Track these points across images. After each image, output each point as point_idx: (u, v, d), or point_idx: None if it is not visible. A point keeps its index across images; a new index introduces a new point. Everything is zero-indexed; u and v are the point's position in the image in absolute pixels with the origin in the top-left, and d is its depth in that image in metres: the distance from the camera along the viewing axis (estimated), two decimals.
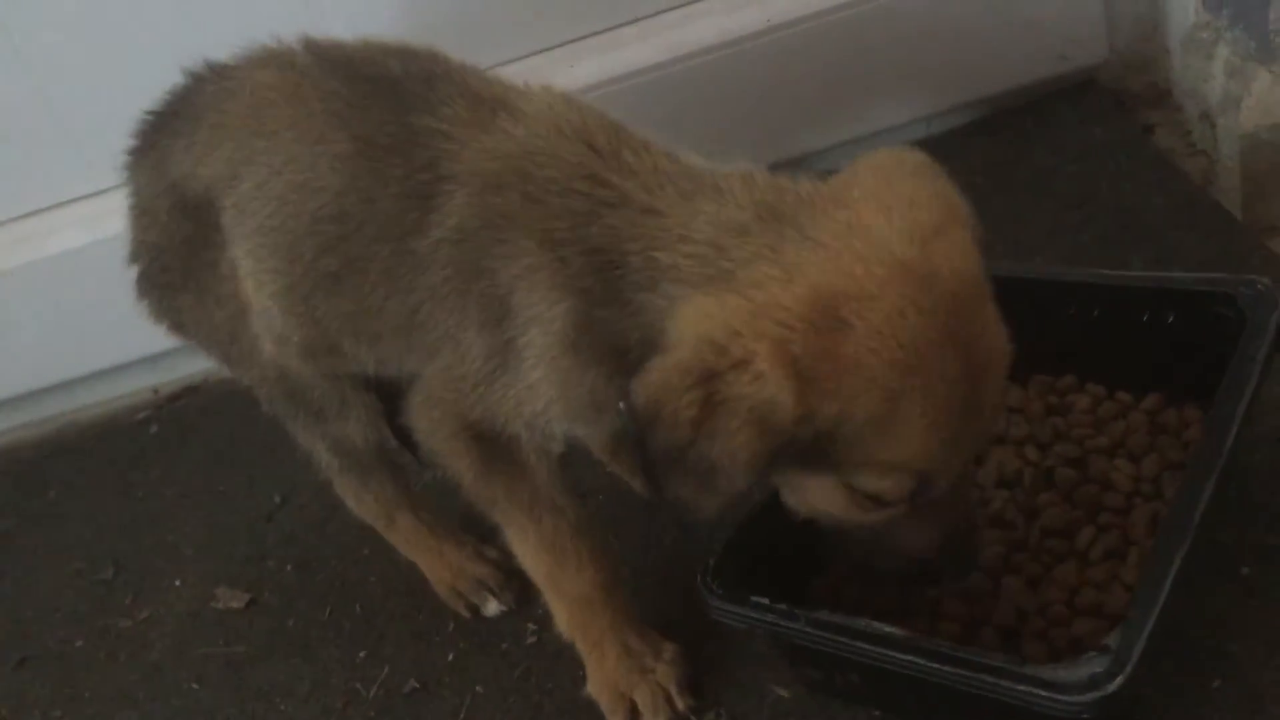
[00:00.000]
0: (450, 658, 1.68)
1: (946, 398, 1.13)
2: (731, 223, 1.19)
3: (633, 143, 1.30)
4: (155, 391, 2.43)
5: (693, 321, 1.15)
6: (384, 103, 1.38)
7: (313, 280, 1.43)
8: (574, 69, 2.15)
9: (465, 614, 1.71)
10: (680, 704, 1.48)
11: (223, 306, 1.54)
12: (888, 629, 1.26)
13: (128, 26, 2.11)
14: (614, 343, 1.28)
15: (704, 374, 1.12)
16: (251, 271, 1.47)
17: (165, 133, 1.56)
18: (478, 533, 1.70)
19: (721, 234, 1.19)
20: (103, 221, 2.23)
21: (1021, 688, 1.17)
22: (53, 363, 2.38)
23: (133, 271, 1.63)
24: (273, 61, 1.50)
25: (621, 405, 1.20)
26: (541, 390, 1.32)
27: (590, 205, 1.26)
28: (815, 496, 1.26)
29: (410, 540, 1.74)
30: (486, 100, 1.36)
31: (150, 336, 2.29)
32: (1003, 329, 1.19)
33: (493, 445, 1.41)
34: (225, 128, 1.49)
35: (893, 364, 1.11)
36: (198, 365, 2.41)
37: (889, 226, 1.14)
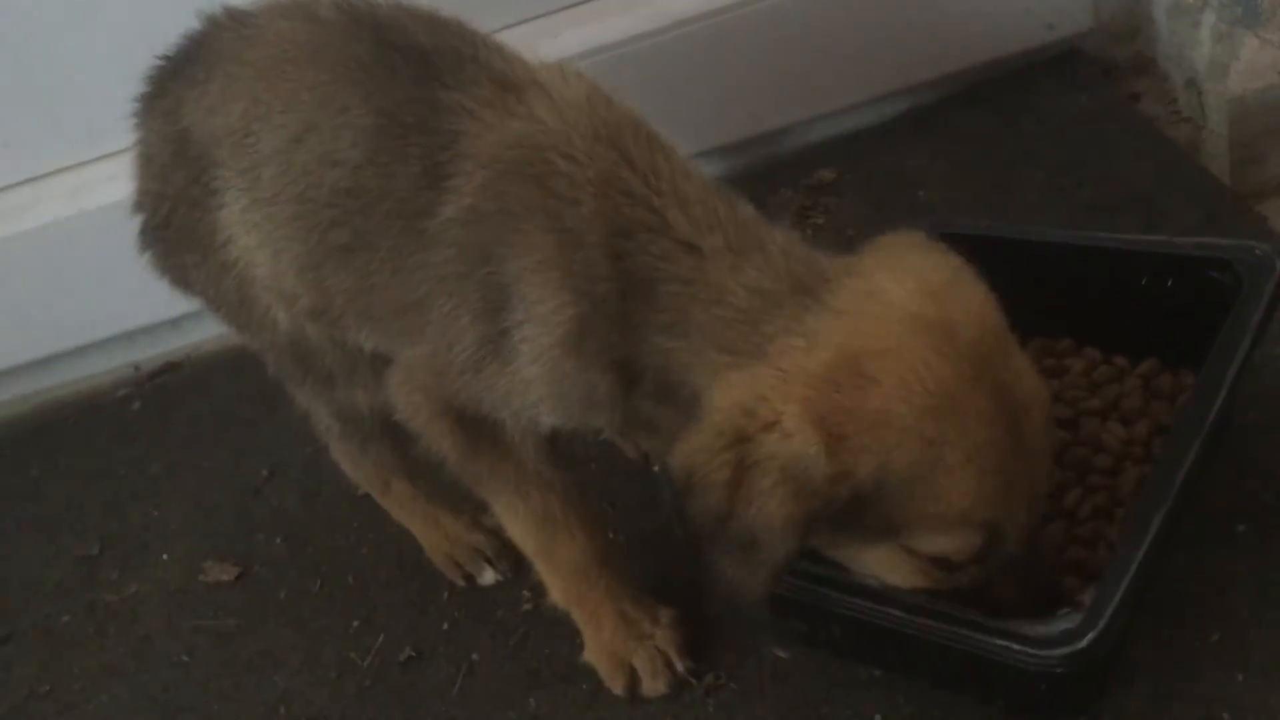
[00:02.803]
0: (445, 626, 1.67)
1: (988, 440, 1.14)
2: (768, 294, 1.21)
3: (673, 159, 1.29)
4: (136, 368, 2.40)
5: (724, 393, 1.18)
6: (411, 77, 1.35)
7: (325, 250, 1.40)
8: (558, 39, 2.13)
9: (461, 582, 1.71)
10: (680, 667, 1.48)
11: (228, 271, 1.50)
12: (867, 581, 1.27)
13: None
14: (617, 355, 1.28)
15: (735, 437, 1.15)
16: (270, 237, 1.44)
17: (178, 79, 1.51)
18: (473, 501, 1.68)
19: (756, 303, 1.21)
20: (83, 194, 2.22)
21: (997, 641, 1.19)
22: (31, 339, 2.34)
23: (136, 221, 1.58)
24: (296, 12, 1.46)
25: (657, 469, 1.22)
26: (535, 386, 1.32)
27: (626, 221, 1.25)
28: (881, 568, 1.25)
29: (406, 507, 1.73)
30: (514, 83, 1.33)
31: (130, 312, 2.30)
32: (1035, 372, 1.22)
33: (476, 425, 1.40)
34: (241, 79, 1.45)
35: (924, 411, 1.12)
36: (179, 341, 2.40)
37: (901, 288, 1.18)
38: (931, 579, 1.23)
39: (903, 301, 1.17)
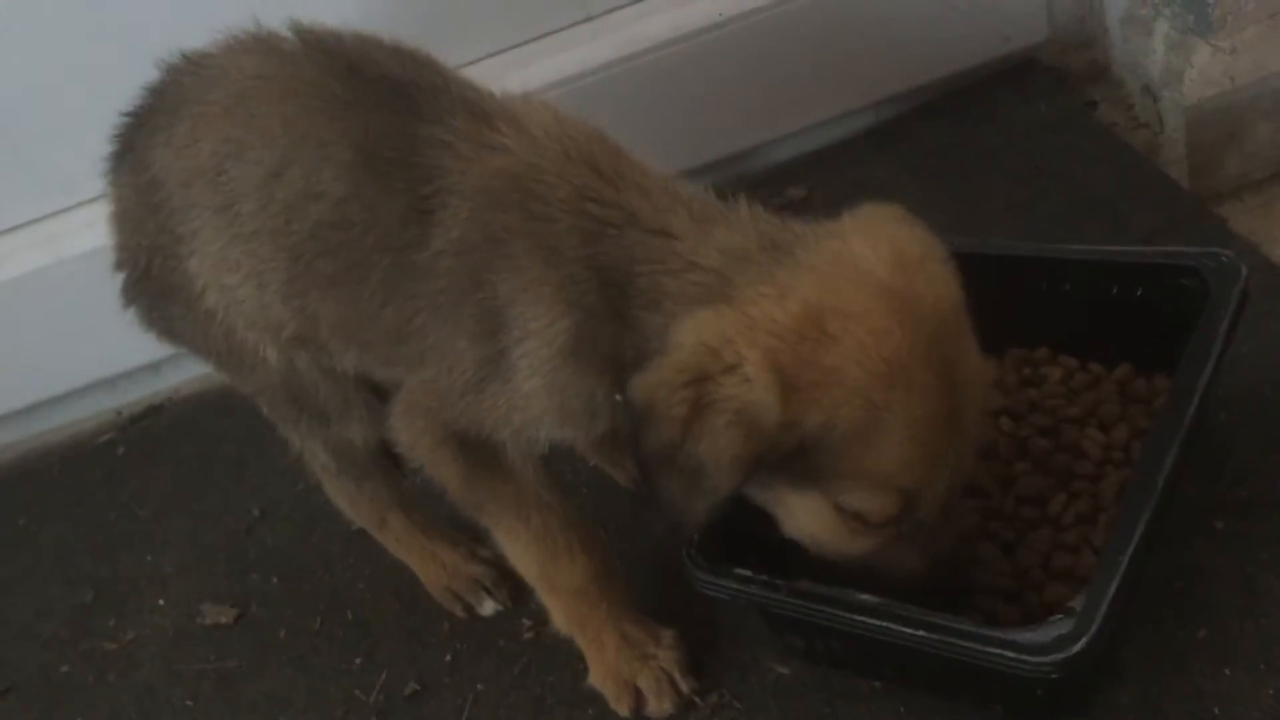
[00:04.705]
0: (448, 658, 1.69)
1: (928, 413, 1.20)
2: (738, 251, 1.26)
3: (634, 164, 1.35)
4: (118, 413, 2.40)
5: (691, 329, 1.22)
6: (388, 110, 1.38)
7: (310, 279, 1.43)
8: (529, 70, 2.16)
9: (461, 614, 1.73)
10: (684, 687, 1.51)
11: (213, 318, 1.52)
12: (864, 597, 1.31)
13: (78, 48, 2.09)
14: (612, 356, 1.32)
15: (697, 375, 1.19)
16: (253, 271, 1.45)
17: (144, 131, 1.52)
18: (470, 532, 1.70)
19: (728, 263, 1.25)
20: (58, 243, 2.22)
21: (992, 650, 1.23)
22: (11, 388, 2.34)
23: (118, 279, 1.59)
24: (257, 47, 1.47)
25: (618, 398, 1.27)
26: (537, 400, 1.35)
27: (598, 226, 1.30)
28: (805, 519, 1.30)
29: (403, 542, 1.75)
30: (485, 114, 1.37)
31: (110, 358, 2.30)
32: (981, 355, 1.27)
33: (477, 451, 1.43)
34: (207, 119, 1.45)
35: (875, 376, 1.17)
36: (159, 385, 2.40)
37: (875, 256, 1.22)
38: (848, 534, 1.28)
39: (873, 268, 1.21)
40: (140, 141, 1.53)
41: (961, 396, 1.22)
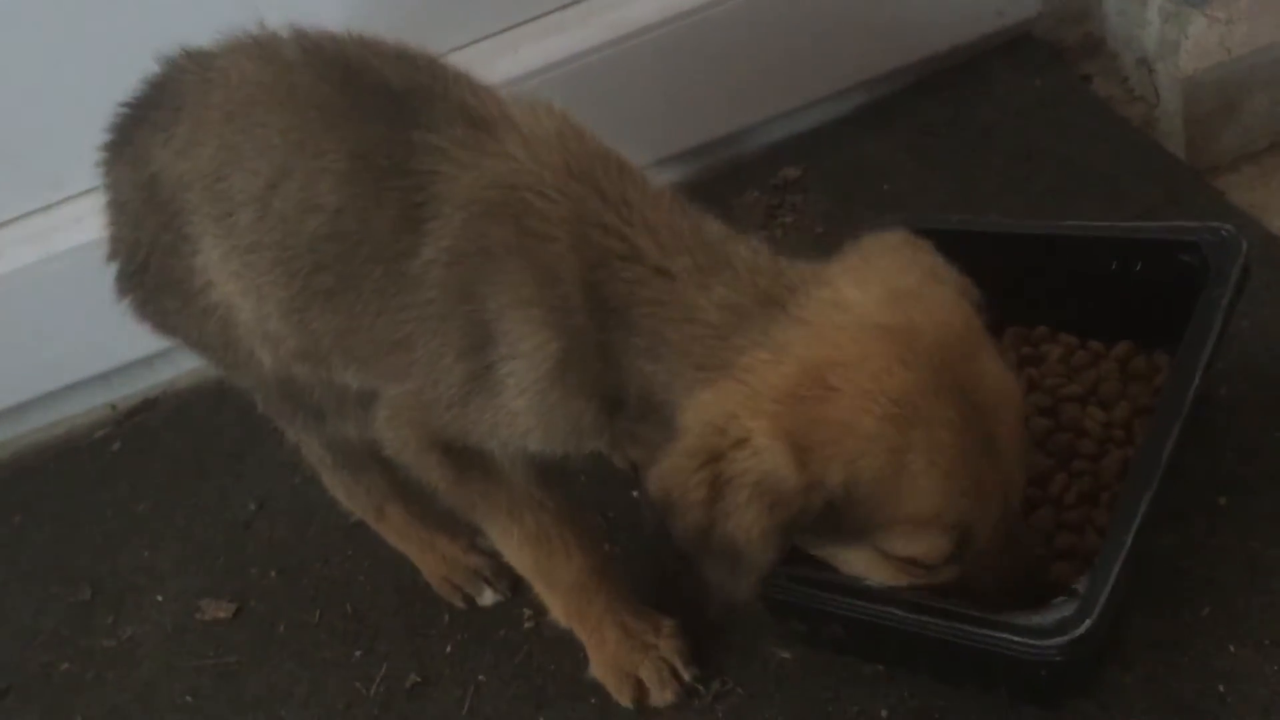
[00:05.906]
0: (448, 649, 1.68)
1: (952, 444, 1.16)
2: (737, 307, 1.23)
3: (641, 187, 1.31)
4: (113, 408, 2.39)
5: (696, 412, 1.20)
6: (384, 118, 1.35)
7: (308, 295, 1.41)
8: (518, 53, 2.14)
9: (460, 605, 1.72)
10: (685, 676, 1.51)
11: (211, 314, 1.51)
12: (866, 582, 1.29)
13: (64, 41, 2.07)
14: (604, 384, 1.30)
15: (709, 455, 1.17)
16: (252, 284, 1.44)
17: (143, 125, 1.51)
18: (469, 523, 1.69)
19: (727, 318, 1.23)
20: (49, 238, 2.20)
21: (996, 634, 1.22)
22: (4, 386, 2.32)
23: (111, 269, 1.58)
24: (258, 52, 1.45)
25: (636, 494, 1.23)
26: (523, 418, 1.33)
27: (599, 254, 1.27)
28: (861, 567, 1.27)
29: (401, 533, 1.74)
30: (485, 120, 1.34)
31: (104, 353, 2.29)
32: (1006, 371, 1.23)
33: (464, 456, 1.42)
34: (208, 123, 1.44)
35: (887, 419, 1.14)
36: (154, 379, 2.39)
37: (865, 296, 1.20)
38: (910, 577, 1.25)
39: (866, 310, 1.18)
40: (139, 136, 1.51)
41: (991, 417, 1.18)
